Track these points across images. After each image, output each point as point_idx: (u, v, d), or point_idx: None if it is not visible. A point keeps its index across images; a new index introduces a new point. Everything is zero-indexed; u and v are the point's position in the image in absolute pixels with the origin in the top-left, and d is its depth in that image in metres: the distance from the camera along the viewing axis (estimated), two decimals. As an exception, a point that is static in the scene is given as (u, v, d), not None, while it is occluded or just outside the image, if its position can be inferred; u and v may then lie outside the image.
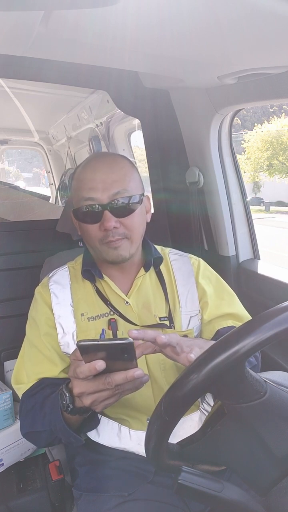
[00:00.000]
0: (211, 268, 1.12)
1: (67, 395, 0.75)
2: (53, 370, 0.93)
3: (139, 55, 0.96)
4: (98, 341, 0.62)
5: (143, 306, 0.99)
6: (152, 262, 1.02)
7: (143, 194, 0.97)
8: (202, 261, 1.12)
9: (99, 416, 0.95)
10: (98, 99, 2.46)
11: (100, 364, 0.62)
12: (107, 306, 0.97)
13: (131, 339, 0.61)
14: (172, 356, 0.74)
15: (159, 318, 0.98)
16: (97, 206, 0.90)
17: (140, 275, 1.01)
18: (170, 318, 0.99)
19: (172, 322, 0.98)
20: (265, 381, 0.57)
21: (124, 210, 0.91)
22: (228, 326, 1.00)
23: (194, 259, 1.11)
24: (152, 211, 1.08)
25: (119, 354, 0.63)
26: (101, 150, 2.92)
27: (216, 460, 0.64)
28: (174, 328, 0.98)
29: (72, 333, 0.95)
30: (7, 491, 1.17)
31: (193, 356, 0.69)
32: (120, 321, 0.96)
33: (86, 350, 0.63)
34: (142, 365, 0.94)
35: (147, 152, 1.69)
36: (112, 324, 0.95)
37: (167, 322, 0.98)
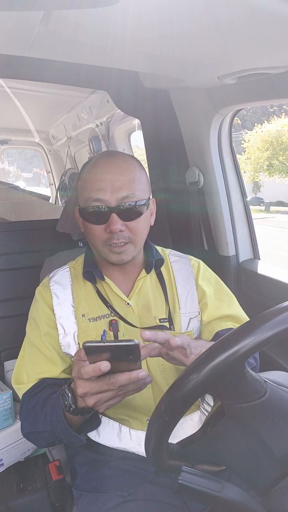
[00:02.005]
0: (211, 270, 1.13)
1: (69, 395, 0.75)
2: (54, 370, 0.93)
3: (139, 55, 0.96)
4: (104, 343, 0.62)
5: (143, 307, 0.99)
6: (153, 263, 1.02)
7: (150, 198, 0.97)
8: (202, 263, 1.12)
9: (100, 416, 0.95)
10: (98, 99, 2.46)
11: (105, 365, 0.62)
12: (108, 308, 0.97)
13: (136, 341, 0.61)
14: (180, 358, 0.74)
15: (159, 319, 0.98)
16: (104, 207, 0.89)
17: (141, 277, 1.01)
18: (170, 319, 0.99)
19: (172, 324, 0.98)
20: (265, 381, 0.57)
21: (130, 214, 0.90)
22: (228, 328, 1.00)
23: (194, 260, 1.11)
24: (153, 211, 1.08)
25: (124, 356, 0.63)
26: (101, 150, 2.92)
27: (216, 460, 0.64)
28: (174, 330, 0.98)
29: (73, 333, 0.95)
30: (7, 491, 1.17)
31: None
32: (121, 323, 0.96)
33: (91, 351, 0.63)
34: (142, 366, 0.94)
35: (147, 152, 1.69)
36: (113, 325, 0.95)
37: (166, 324, 0.98)
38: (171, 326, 0.98)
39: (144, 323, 0.97)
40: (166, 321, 0.98)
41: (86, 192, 0.91)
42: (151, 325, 0.96)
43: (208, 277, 1.09)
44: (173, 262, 1.08)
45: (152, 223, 1.01)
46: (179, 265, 1.07)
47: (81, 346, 0.93)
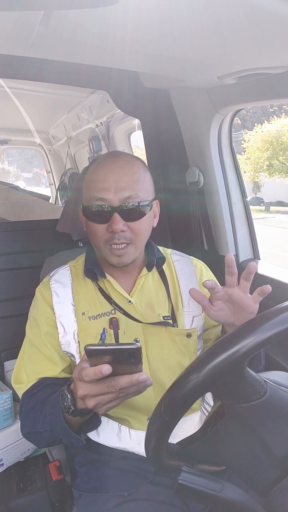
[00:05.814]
0: (211, 271, 1.13)
1: (69, 397, 0.75)
2: (53, 370, 0.93)
3: (139, 55, 0.96)
4: (106, 346, 0.63)
5: (146, 305, 0.99)
6: (154, 262, 1.02)
7: (153, 199, 0.97)
8: (203, 264, 1.13)
9: (100, 416, 0.95)
10: (98, 99, 2.46)
11: (106, 369, 0.63)
12: (111, 305, 0.97)
13: (138, 344, 0.61)
14: (238, 295, 0.85)
15: (163, 317, 0.99)
16: (107, 207, 0.89)
17: (143, 275, 1.01)
18: (173, 317, 0.99)
19: (175, 321, 0.98)
20: (265, 381, 0.57)
21: (133, 214, 0.91)
22: None
23: (195, 260, 1.12)
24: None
25: (126, 359, 0.63)
26: (101, 150, 2.92)
27: (216, 460, 0.64)
28: (177, 327, 0.98)
29: (73, 332, 0.95)
30: (7, 491, 1.17)
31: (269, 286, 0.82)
32: (122, 321, 0.96)
33: (93, 354, 0.63)
34: (144, 364, 0.94)
35: (147, 152, 1.69)
36: (114, 323, 0.95)
37: (170, 321, 0.98)
38: (174, 324, 0.98)
39: (147, 320, 0.97)
40: (169, 319, 0.99)
41: (90, 191, 0.92)
42: (154, 322, 0.96)
43: (210, 277, 1.10)
44: (175, 262, 1.08)
45: (155, 225, 1.01)
46: (182, 264, 1.08)
47: (81, 345, 0.93)
